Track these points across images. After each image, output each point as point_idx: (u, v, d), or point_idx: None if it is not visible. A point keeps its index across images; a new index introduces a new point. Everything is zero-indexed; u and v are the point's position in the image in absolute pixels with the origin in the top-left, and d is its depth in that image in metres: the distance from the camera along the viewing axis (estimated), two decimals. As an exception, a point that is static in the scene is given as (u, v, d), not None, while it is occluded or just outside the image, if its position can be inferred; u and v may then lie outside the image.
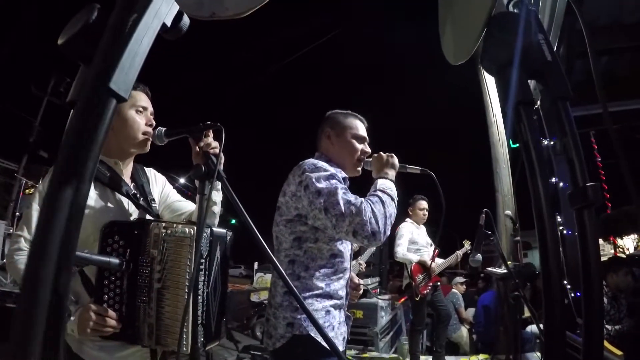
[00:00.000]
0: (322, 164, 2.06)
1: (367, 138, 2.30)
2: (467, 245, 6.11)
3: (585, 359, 0.62)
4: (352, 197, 1.90)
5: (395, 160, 2.19)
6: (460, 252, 6.06)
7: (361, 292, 2.50)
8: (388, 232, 1.89)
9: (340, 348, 2.05)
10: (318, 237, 2.00)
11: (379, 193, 1.98)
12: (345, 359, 1.40)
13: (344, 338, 2.09)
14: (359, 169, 2.26)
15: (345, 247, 2.12)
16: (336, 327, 2.01)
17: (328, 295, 2.01)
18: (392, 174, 2.14)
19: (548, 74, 0.70)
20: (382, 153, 2.20)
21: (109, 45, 0.51)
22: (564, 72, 0.69)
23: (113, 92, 0.50)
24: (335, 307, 2.03)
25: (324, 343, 1.82)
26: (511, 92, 0.67)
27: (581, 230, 0.66)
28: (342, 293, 2.10)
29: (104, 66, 0.51)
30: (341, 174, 2.11)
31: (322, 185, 1.92)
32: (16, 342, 0.44)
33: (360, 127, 2.29)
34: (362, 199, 1.91)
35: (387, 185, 2.04)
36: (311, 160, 2.09)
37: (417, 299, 5.72)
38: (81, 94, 0.51)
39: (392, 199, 1.99)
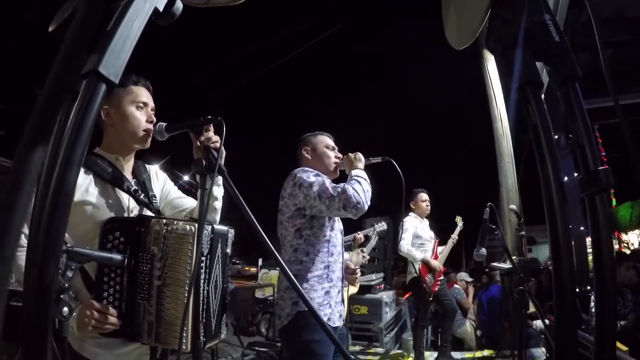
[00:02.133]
0: (308, 168, 2.65)
1: (336, 147, 2.88)
2: (459, 222, 6.00)
3: (599, 348, 0.60)
4: (336, 184, 2.46)
5: (361, 156, 2.74)
6: (455, 235, 5.95)
7: (358, 275, 3.30)
8: (369, 203, 2.45)
9: (338, 323, 2.56)
10: (313, 224, 2.53)
11: (355, 177, 2.55)
12: (332, 332, 1.53)
13: (340, 315, 2.60)
14: (337, 172, 2.82)
15: (336, 234, 2.65)
16: (333, 305, 2.51)
17: (327, 277, 2.51)
18: (360, 165, 2.68)
19: (555, 54, 0.68)
20: (349, 153, 2.75)
21: (97, 28, 0.50)
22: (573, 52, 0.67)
23: (102, 77, 0.48)
24: (332, 287, 2.52)
25: (321, 316, 2.29)
26: (517, 73, 0.66)
27: (593, 217, 0.63)
28: (339, 274, 2.63)
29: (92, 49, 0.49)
30: (325, 175, 2.62)
31: (312, 179, 2.48)
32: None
33: (328, 140, 2.88)
34: (344, 183, 2.48)
35: (358, 172, 2.61)
36: (300, 168, 2.67)
37: (431, 298, 5.68)
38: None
39: (365, 180, 2.54)
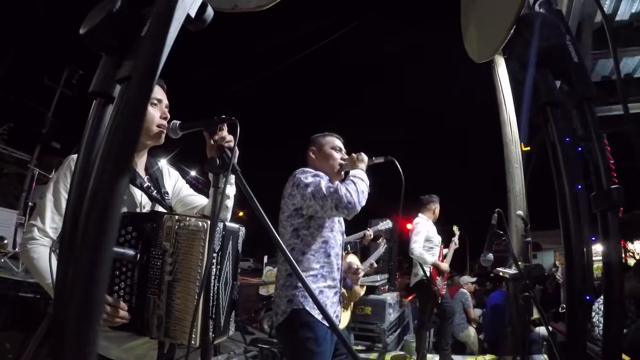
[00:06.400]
0: (308, 169, 2.66)
1: (344, 149, 2.90)
2: (456, 230, 6.13)
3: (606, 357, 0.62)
4: (332, 184, 2.48)
5: (364, 156, 2.76)
6: (455, 239, 6.08)
7: (360, 275, 3.58)
8: (362, 204, 2.48)
9: None
10: (310, 225, 2.57)
11: (351, 177, 2.58)
12: (334, 321, 1.60)
13: (336, 316, 2.63)
14: (342, 173, 2.81)
15: (335, 236, 2.67)
16: (328, 306, 2.55)
17: (322, 277, 2.54)
18: (362, 166, 2.70)
19: (574, 75, 0.70)
20: (353, 154, 2.79)
21: (158, 36, 0.51)
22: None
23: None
24: (328, 288, 2.56)
25: (315, 315, 2.39)
26: (533, 90, 0.67)
27: (604, 231, 0.66)
28: (336, 276, 2.64)
29: (153, 60, 0.50)
30: (326, 177, 2.62)
31: (309, 180, 2.52)
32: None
33: (336, 141, 2.89)
34: (339, 183, 2.51)
35: (357, 173, 2.63)
36: (300, 169, 2.68)
37: (439, 301, 5.74)
38: (129, 87, 0.51)
39: (362, 180, 2.56)
